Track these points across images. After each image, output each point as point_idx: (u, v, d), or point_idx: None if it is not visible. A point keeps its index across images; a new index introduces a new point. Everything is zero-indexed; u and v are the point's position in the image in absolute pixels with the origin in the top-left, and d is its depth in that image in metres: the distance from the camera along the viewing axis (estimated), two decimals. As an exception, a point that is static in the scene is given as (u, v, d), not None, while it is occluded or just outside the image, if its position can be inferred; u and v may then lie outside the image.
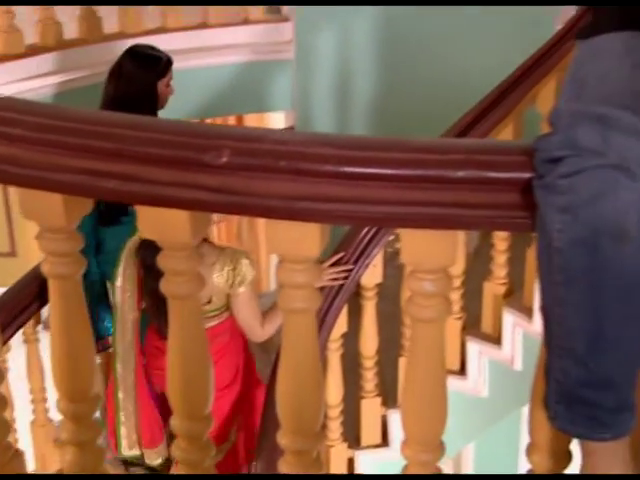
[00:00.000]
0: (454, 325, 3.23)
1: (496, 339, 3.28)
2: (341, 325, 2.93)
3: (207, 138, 1.11)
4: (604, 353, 1.10)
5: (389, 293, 3.23)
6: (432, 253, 1.14)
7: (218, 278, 2.71)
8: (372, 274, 2.92)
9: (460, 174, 1.08)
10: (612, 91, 1.05)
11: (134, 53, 3.14)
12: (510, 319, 3.22)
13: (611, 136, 1.00)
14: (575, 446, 1.23)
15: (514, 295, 3.26)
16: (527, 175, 1.08)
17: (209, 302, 2.76)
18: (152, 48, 3.20)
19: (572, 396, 1.14)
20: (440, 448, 1.26)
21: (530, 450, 1.28)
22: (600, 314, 1.07)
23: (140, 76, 3.07)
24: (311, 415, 1.24)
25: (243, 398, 2.99)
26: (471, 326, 3.34)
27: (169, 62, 3.16)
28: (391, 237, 2.99)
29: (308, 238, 1.13)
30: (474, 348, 3.30)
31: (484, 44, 4.48)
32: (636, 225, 1.03)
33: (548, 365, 1.16)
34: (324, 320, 2.79)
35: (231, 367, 2.92)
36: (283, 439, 1.25)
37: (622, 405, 1.14)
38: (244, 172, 1.10)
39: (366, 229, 2.78)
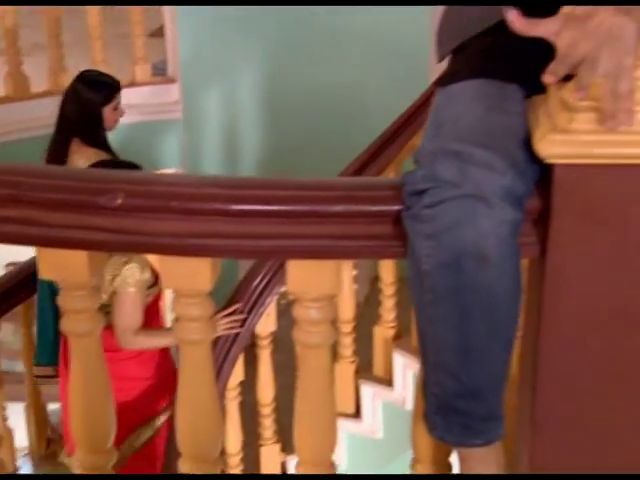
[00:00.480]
0: (347, 369, 3.33)
1: (388, 381, 3.40)
2: (238, 374, 2.99)
3: (102, 182, 1.19)
4: (473, 366, 1.21)
5: (284, 344, 3.31)
6: (316, 282, 1.24)
7: (107, 274, 2.79)
8: (266, 323, 3.00)
9: (337, 209, 1.20)
10: (467, 130, 1.19)
11: (83, 78, 3.47)
12: (400, 361, 3.35)
13: (467, 169, 1.13)
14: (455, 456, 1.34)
15: (403, 337, 3.39)
16: (397, 207, 1.20)
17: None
18: (101, 74, 3.56)
19: (448, 407, 1.25)
20: (333, 467, 1.35)
21: (414, 463, 1.39)
22: (466, 330, 1.19)
23: (87, 100, 3.40)
24: (209, 441, 1.31)
25: (164, 386, 3.02)
26: (364, 370, 3.44)
27: (115, 87, 3.46)
28: (283, 288, 3.09)
29: (200, 272, 1.22)
30: (368, 391, 3.41)
31: (365, 96, 4.68)
32: (495, 248, 1.16)
33: (425, 380, 1.28)
34: (221, 369, 2.85)
35: (150, 359, 2.98)
36: (183, 465, 1.31)
37: (492, 414, 1.26)
38: (139, 213, 1.18)
39: (259, 278, 2.86)
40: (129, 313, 2.83)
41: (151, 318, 3.04)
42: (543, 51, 1.10)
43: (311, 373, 1.30)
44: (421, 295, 1.21)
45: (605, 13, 1.04)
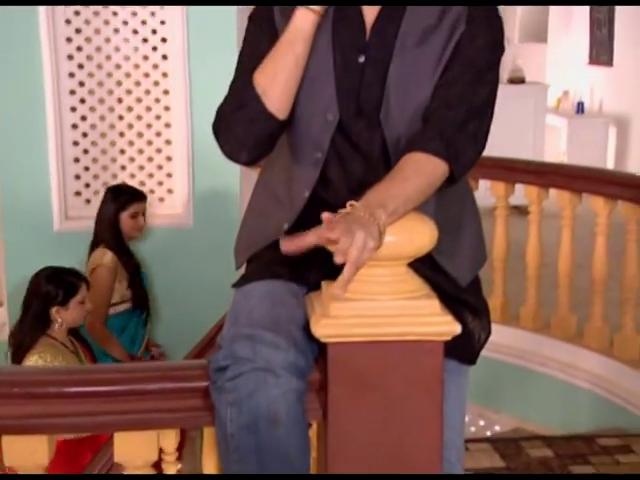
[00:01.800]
0: None
1: None
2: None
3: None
4: None
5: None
6: (139, 451, 1.47)
7: None
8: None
9: (154, 386, 1.46)
10: (258, 319, 1.50)
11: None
12: None
13: (258, 348, 1.43)
14: None
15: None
16: (205, 383, 1.47)
17: None
18: (127, 186, 3.70)
19: None
20: None
21: None
22: None
23: (104, 208, 3.61)
24: None
25: None
26: None
27: (133, 196, 3.56)
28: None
29: (39, 449, 1.43)
30: None
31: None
32: (284, 413, 1.44)
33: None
34: None
35: None
36: None
37: None
38: (-16, 397, 1.40)
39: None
40: None
41: None
42: (313, 259, 1.46)
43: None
44: (227, 455, 1.47)
45: (358, 211, 1.40)
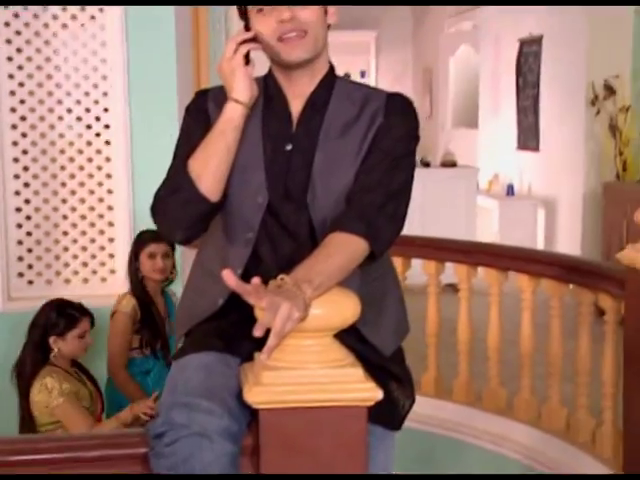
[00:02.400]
0: None
1: None
2: None
3: None
4: None
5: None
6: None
7: None
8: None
9: (95, 454, 1.55)
10: (194, 388, 1.61)
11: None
12: None
13: (193, 415, 1.54)
14: None
15: None
16: (144, 450, 1.57)
17: None
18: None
19: None
20: None
21: None
22: None
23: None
24: None
25: None
26: None
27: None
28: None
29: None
30: None
31: None
32: (219, 471, 1.54)
33: None
34: None
35: None
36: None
37: None
38: None
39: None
40: None
41: None
42: (246, 332, 1.58)
43: None
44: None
45: (286, 285, 1.53)
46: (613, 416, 3.38)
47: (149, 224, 1.90)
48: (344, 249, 1.71)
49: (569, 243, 6.84)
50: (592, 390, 3.57)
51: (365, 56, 11.32)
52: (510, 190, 7.78)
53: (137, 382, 3.57)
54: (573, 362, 3.59)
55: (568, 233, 6.98)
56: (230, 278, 1.51)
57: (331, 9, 1.88)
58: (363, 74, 11.37)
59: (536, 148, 7.53)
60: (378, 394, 1.60)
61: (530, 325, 3.80)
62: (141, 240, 3.62)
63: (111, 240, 3.89)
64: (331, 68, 1.93)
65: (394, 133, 1.85)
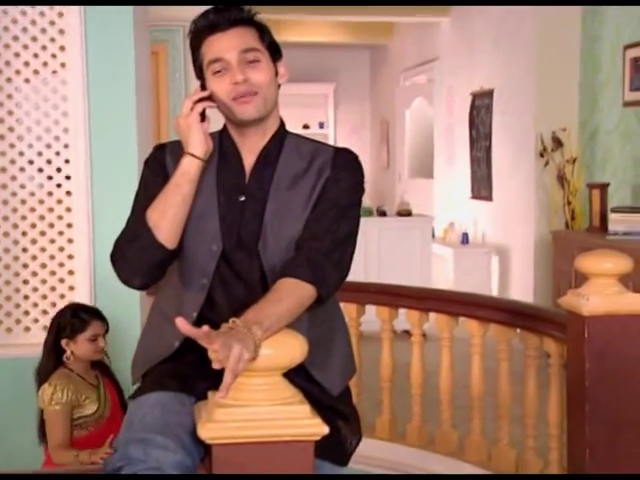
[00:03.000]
0: None
1: None
2: None
3: None
4: None
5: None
6: None
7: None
8: None
9: None
10: (150, 425, 1.71)
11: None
12: None
13: (149, 450, 1.64)
14: None
15: None
16: (102, 484, 1.65)
17: None
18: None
19: None
20: None
21: None
22: None
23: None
24: None
25: None
26: None
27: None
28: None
29: None
30: None
31: None
32: None
33: None
34: None
35: None
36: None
37: None
38: None
39: None
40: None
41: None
42: (201, 372, 1.69)
43: None
44: None
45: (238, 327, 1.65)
46: (559, 456, 3.50)
47: (109, 272, 2.00)
48: (292, 294, 1.83)
49: (522, 289, 7.02)
50: (539, 432, 3.69)
51: (324, 108, 11.56)
52: (465, 238, 7.97)
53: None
54: (521, 404, 3.72)
55: (521, 280, 7.17)
56: (183, 325, 1.62)
57: (281, 70, 2.03)
58: (322, 125, 11.59)
59: (489, 198, 7.74)
60: (324, 429, 1.71)
61: (480, 369, 3.92)
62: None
63: (71, 288, 3.96)
64: (282, 124, 2.06)
65: (341, 185, 1.99)
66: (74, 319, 3.36)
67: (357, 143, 11.67)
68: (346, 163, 2.03)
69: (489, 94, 7.64)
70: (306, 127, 11.42)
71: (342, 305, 2.21)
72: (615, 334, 3.04)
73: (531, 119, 6.78)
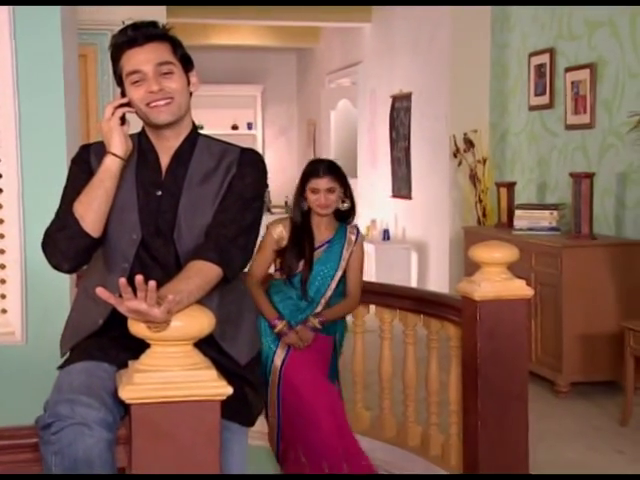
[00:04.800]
0: None
1: None
2: None
3: None
4: None
5: None
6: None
7: None
8: None
9: (-6, 442, 1.87)
10: (76, 387, 1.97)
11: None
12: None
13: (76, 408, 1.89)
14: None
15: None
16: (34, 440, 1.90)
17: None
18: None
19: None
20: None
21: None
22: None
23: None
24: None
25: None
26: None
27: None
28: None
29: None
30: None
31: None
32: (97, 457, 1.89)
33: None
34: None
35: None
36: None
37: None
38: None
39: None
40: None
41: None
42: (122, 345, 1.95)
43: None
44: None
45: None
46: (458, 430, 3.83)
47: (41, 261, 2.24)
48: (201, 273, 2.11)
49: (439, 282, 7.39)
50: (442, 409, 4.02)
51: (252, 109, 11.80)
52: (386, 235, 8.33)
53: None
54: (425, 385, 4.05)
55: (438, 273, 7.54)
56: (103, 293, 1.88)
57: (193, 79, 2.30)
58: (250, 126, 11.83)
59: (409, 196, 8.10)
60: (228, 390, 1.98)
61: (390, 353, 4.24)
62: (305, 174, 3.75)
63: (2, 281, 4.15)
64: (194, 127, 2.34)
65: (246, 181, 2.27)
66: None
67: (285, 143, 11.98)
68: (251, 162, 2.31)
69: (408, 97, 8.00)
70: (235, 127, 11.64)
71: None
72: (503, 316, 3.39)
73: (445, 121, 7.16)
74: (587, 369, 5.21)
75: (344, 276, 3.82)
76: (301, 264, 3.71)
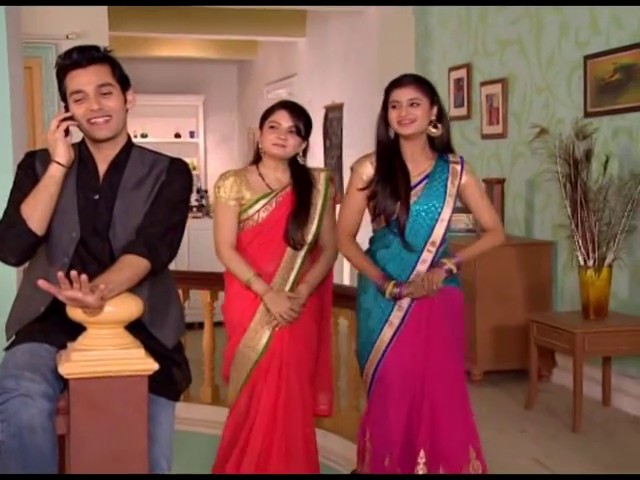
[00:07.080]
0: None
1: None
2: None
3: None
4: None
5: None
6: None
7: None
8: None
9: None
10: (21, 364, 2.25)
11: None
12: None
13: (20, 382, 2.18)
14: None
15: None
16: (-16, 410, 2.18)
17: None
18: None
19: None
20: None
21: None
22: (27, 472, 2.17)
23: None
24: None
25: None
26: None
27: None
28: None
29: None
30: None
31: None
32: (39, 425, 2.18)
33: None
34: None
35: None
36: None
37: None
38: None
39: None
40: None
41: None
42: (62, 329, 2.24)
43: None
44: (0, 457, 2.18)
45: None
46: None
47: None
48: (132, 266, 2.42)
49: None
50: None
51: (194, 118, 12.02)
52: (321, 240, 8.63)
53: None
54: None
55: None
56: (44, 284, 2.17)
57: (130, 97, 2.61)
58: (192, 134, 12.05)
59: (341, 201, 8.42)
60: (154, 366, 2.26)
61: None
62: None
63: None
64: (129, 139, 2.65)
65: (173, 186, 2.59)
66: None
67: (226, 151, 12.24)
68: (178, 170, 2.63)
69: (339, 108, 8.36)
70: (178, 136, 11.85)
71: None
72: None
73: (375, 132, 7.49)
74: (498, 359, 5.60)
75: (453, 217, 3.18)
76: (397, 206, 3.10)
